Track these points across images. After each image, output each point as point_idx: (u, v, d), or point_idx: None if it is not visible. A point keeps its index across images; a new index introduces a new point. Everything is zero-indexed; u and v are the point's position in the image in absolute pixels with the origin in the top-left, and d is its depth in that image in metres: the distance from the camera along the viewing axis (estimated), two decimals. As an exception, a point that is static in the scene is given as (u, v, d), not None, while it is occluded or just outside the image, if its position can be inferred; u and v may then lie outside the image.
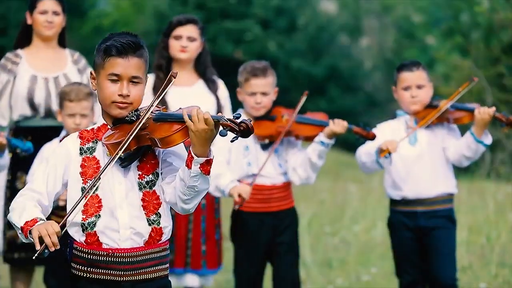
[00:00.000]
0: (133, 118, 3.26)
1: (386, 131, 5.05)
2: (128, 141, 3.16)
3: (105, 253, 3.25)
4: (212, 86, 5.51)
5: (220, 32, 22.07)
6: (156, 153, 3.32)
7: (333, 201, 10.88)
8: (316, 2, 25.77)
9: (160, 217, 3.29)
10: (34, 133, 5.39)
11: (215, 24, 21.81)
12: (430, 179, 4.98)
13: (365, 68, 26.07)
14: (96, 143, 3.31)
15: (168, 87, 3.21)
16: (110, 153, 3.23)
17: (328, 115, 5.03)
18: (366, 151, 4.98)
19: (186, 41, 5.42)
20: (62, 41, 5.62)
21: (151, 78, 5.25)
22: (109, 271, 3.26)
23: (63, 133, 5.04)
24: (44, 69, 5.50)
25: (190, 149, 3.11)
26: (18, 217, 3.18)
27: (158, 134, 3.15)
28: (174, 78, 3.21)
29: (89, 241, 3.26)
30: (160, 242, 3.31)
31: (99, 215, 3.24)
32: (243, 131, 3.07)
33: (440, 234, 4.95)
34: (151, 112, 3.21)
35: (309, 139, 4.93)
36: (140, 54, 3.28)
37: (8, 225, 5.42)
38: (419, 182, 4.97)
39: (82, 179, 3.27)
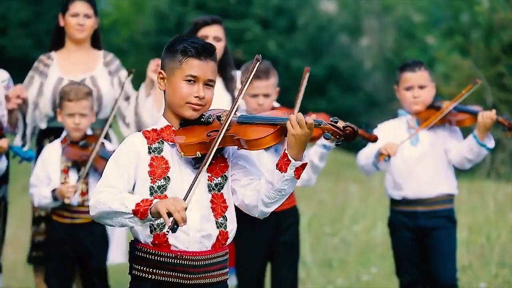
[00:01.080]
0: (210, 119, 3.25)
1: (387, 131, 5.05)
2: (218, 141, 3.12)
3: (173, 255, 3.22)
4: (230, 85, 5.51)
5: (220, 32, 22.07)
6: (225, 156, 3.31)
7: (334, 201, 10.86)
8: (316, 2, 25.81)
9: (226, 220, 3.28)
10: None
11: (215, 24, 21.80)
12: (431, 180, 4.98)
13: (365, 68, 26.10)
14: (163, 143, 3.28)
15: (253, 72, 3.20)
16: (185, 154, 3.19)
17: (329, 115, 5.01)
18: (365, 154, 4.99)
19: (213, 41, 5.42)
20: (97, 43, 5.59)
21: None
22: (175, 274, 3.23)
23: (63, 134, 5.03)
24: (72, 71, 5.46)
25: (286, 152, 3.10)
26: (120, 204, 3.06)
27: (247, 136, 3.12)
28: (259, 61, 3.21)
29: (156, 242, 3.22)
30: (224, 246, 3.30)
31: None
32: (348, 135, 3.09)
33: (440, 234, 4.95)
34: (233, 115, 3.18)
35: (311, 139, 4.91)
36: (215, 58, 3.29)
37: (34, 223, 5.41)
38: (420, 182, 4.97)
39: (151, 179, 3.23)
